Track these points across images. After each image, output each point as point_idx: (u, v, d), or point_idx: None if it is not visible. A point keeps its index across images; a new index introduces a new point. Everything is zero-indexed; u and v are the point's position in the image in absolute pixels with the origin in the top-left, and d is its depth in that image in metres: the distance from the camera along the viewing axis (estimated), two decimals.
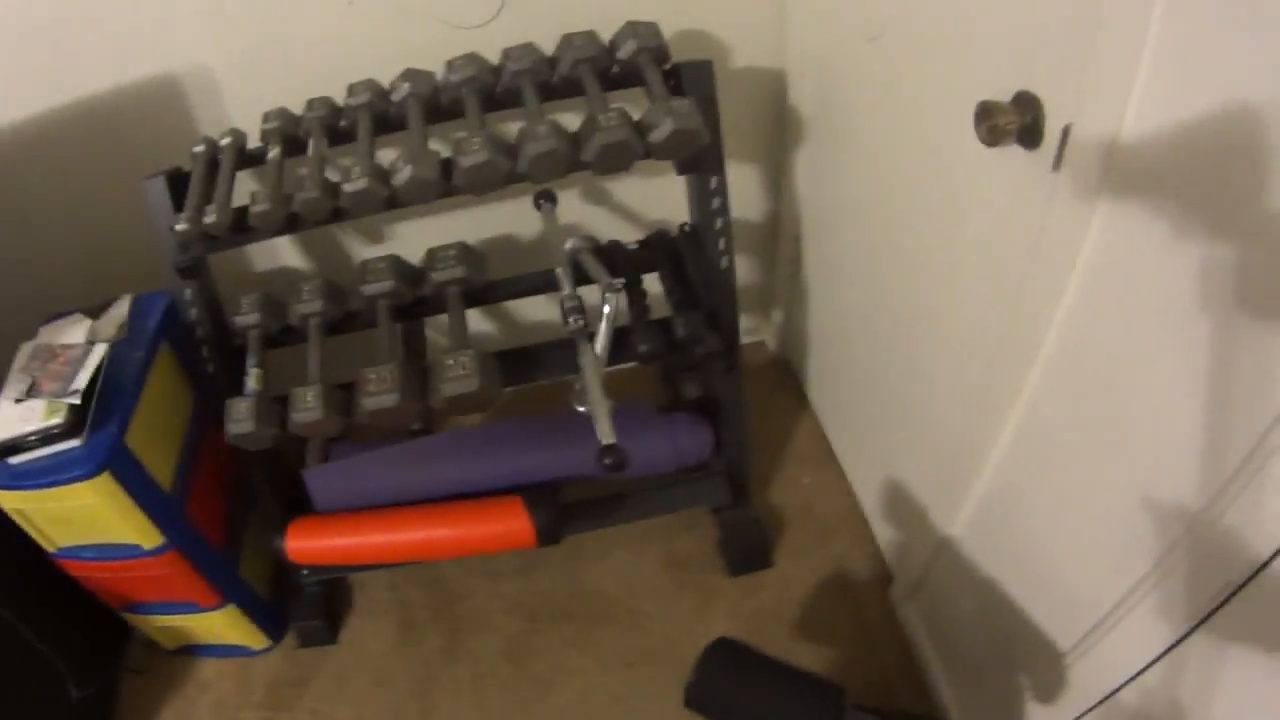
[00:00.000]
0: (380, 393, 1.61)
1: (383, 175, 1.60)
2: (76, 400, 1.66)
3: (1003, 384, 1.36)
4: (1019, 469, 1.43)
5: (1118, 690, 1.21)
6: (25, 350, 1.78)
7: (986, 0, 1.23)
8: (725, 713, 1.34)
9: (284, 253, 2.24)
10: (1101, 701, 1.26)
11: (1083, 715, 1.31)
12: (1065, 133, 1.06)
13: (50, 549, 1.82)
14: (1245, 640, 0.97)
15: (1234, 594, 0.96)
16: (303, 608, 2.20)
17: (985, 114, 1.14)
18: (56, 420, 1.62)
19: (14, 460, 1.64)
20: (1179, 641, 1.06)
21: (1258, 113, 0.81)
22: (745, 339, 2.39)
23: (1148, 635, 1.12)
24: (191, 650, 2.23)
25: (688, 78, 1.74)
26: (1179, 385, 0.99)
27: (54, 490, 1.64)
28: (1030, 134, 1.12)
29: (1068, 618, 1.33)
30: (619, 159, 1.57)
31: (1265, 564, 0.90)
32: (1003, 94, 1.16)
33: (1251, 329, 0.87)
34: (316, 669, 2.17)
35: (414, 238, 2.23)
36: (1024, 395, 1.33)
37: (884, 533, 2.15)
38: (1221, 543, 0.96)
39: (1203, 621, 1.01)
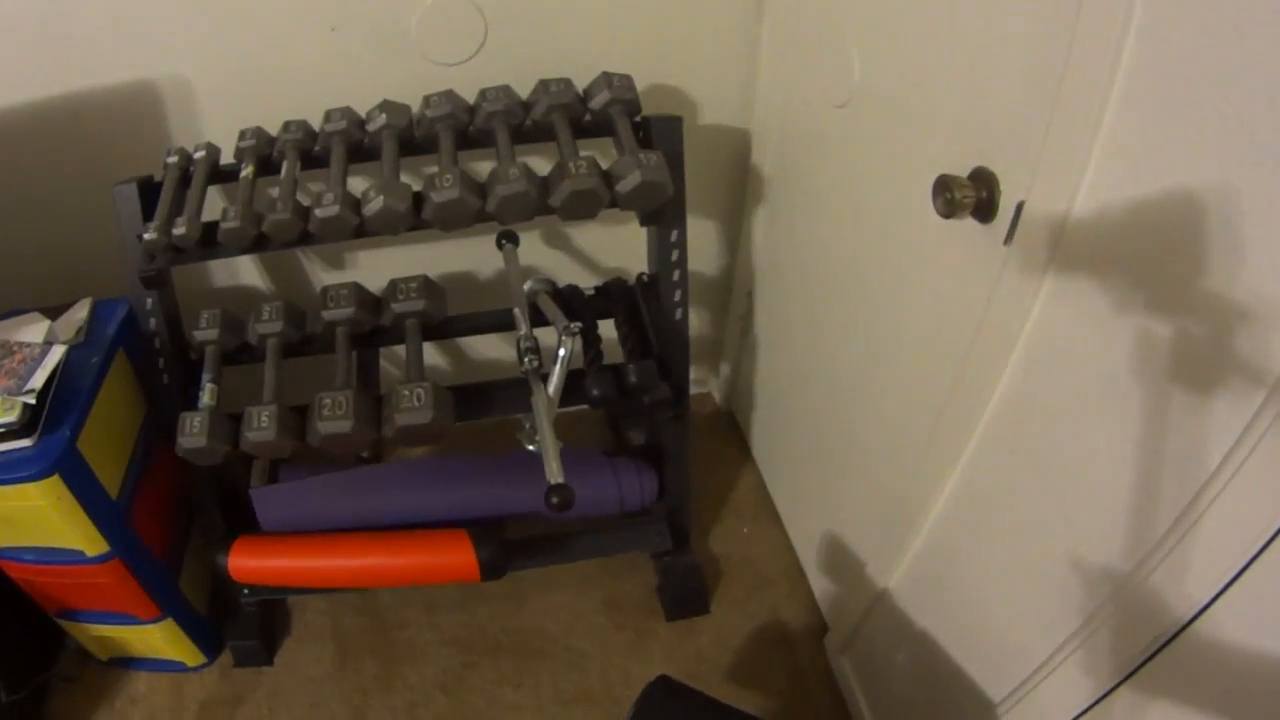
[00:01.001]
0: (335, 418, 1.62)
1: (354, 204, 1.62)
2: (31, 400, 1.64)
3: (943, 447, 1.41)
4: (956, 528, 1.47)
5: None
6: None
7: (950, 76, 1.28)
8: None
9: (245, 271, 2.24)
10: None
11: None
12: (1018, 209, 1.11)
13: None
14: (1167, 696, 1.02)
15: (1158, 651, 1.00)
16: (240, 627, 2.19)
17: (943, 187, 1.18)
18: (10, 418, 1.61)
19: None
20: (1104, 696, 1.10)
21: (1198, 199, 0.86)
22: (693, 390, 2.43)
23: (1076, 689, 1.16)
24: (125, 663, 2.21)
25: (657, 131, 1.77)
26: (1112, 453, 1.04)
27: (1, 489, 1.63)
28: (985, 209, 1.17)
29: (999, 671, 1.37)
30: (586, 207, 1.61)
31: (1188, 623, 0.95)
32: (961, 168, 1.21)
33: (1183, 402, 0.92)
34: (251, 689, 2.16)
35: (375, 266, 2.25)
36: (963, 458, 1.38)
37: (820, 585, 2.18)
38: (1148, 603, 1.01)
39: (1128, 677, 1.06)
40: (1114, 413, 1.04)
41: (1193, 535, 0.93)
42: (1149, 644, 1.01)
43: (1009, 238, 1.14)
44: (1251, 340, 0.83)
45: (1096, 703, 1.13)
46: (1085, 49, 0.97)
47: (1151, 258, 0.94)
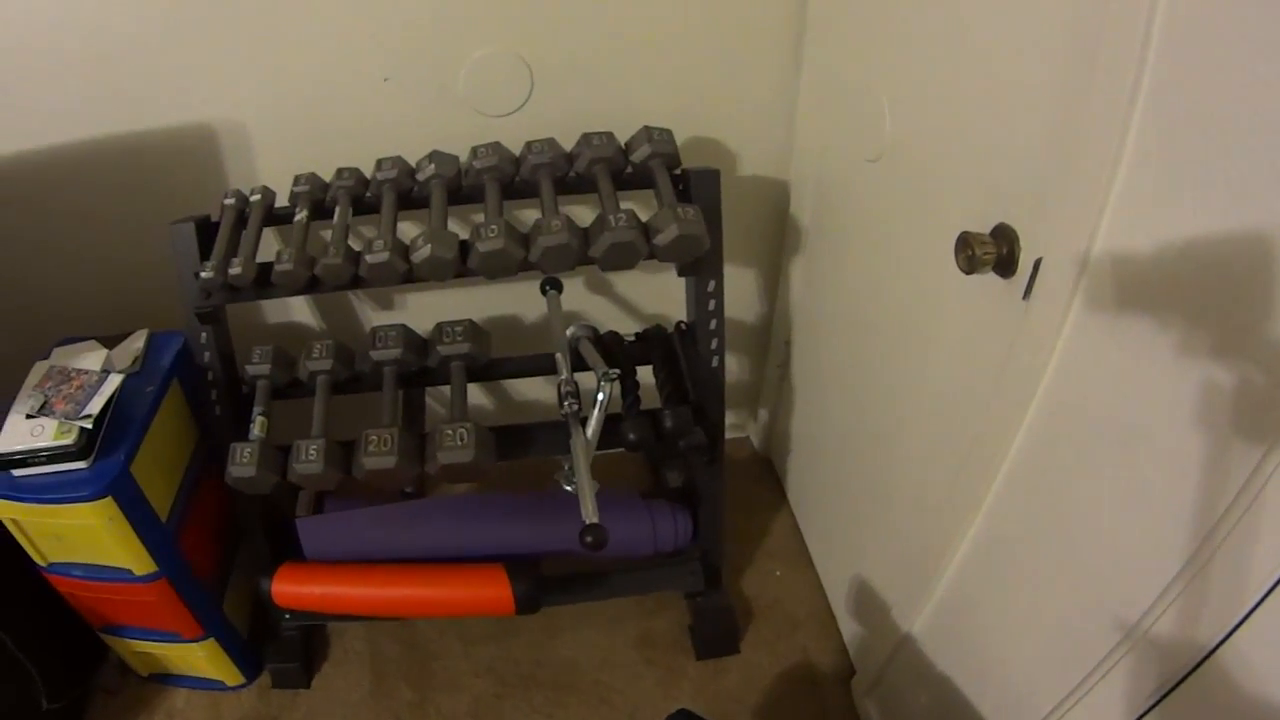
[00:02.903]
0: (380, 454, 1.68)
1: (403, 251, 1.69)
2: (89, 424, 1.70)
3: (965, 496, 1.44)
4: (976, 574, 1.51)
5: None
6: (39, 369, 1.83)
7: (974, 137, 1.33)
8: None
9: (296, 309, 2.30)
10: None
11: None
12: (1037, 265, 1.15)
13: (41, 563, 1.86)
14: None
15: (1167, 694, 1.04)
16: (280, 650, 2.23)
17: (965, 244, 1.23)
18: (67, 441, 1.66)
19: (18, 473, 1.69)
20: None
21: (1204, 259, 0.90)
22: (730, 434, 2.46)
23: None
24: (164, 679, 2.26)
25: (696, 184, 1.82)
26: (1126, 502, 1.08)
27: (56, 507, 1.69)
28: (1006, 264, 1.22)
29: (1015, 713, 1.40)
30: (625, 258, 1.67)
31: (1196, 667, 0.99)
32: (983, 225, 1.25)
33: (1194, 452, 0.95)
34: (288, 710, 2.20)
35: (423, 308, 2.31)
36: (984, 507, 1.41)
37: (849, 628, 2.21)
38: (1158, 647, 1.05)
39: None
40: (1127, 462, 1.07)
41: (1201, 579, 0.97)
42: (1159, 686, 1.05)
43: (1027, 292, 1.18)
44: (1266, 383, 0.87)
45: None
46: (1095, 117, 1.01)
47: (1162, 313, 0.98)
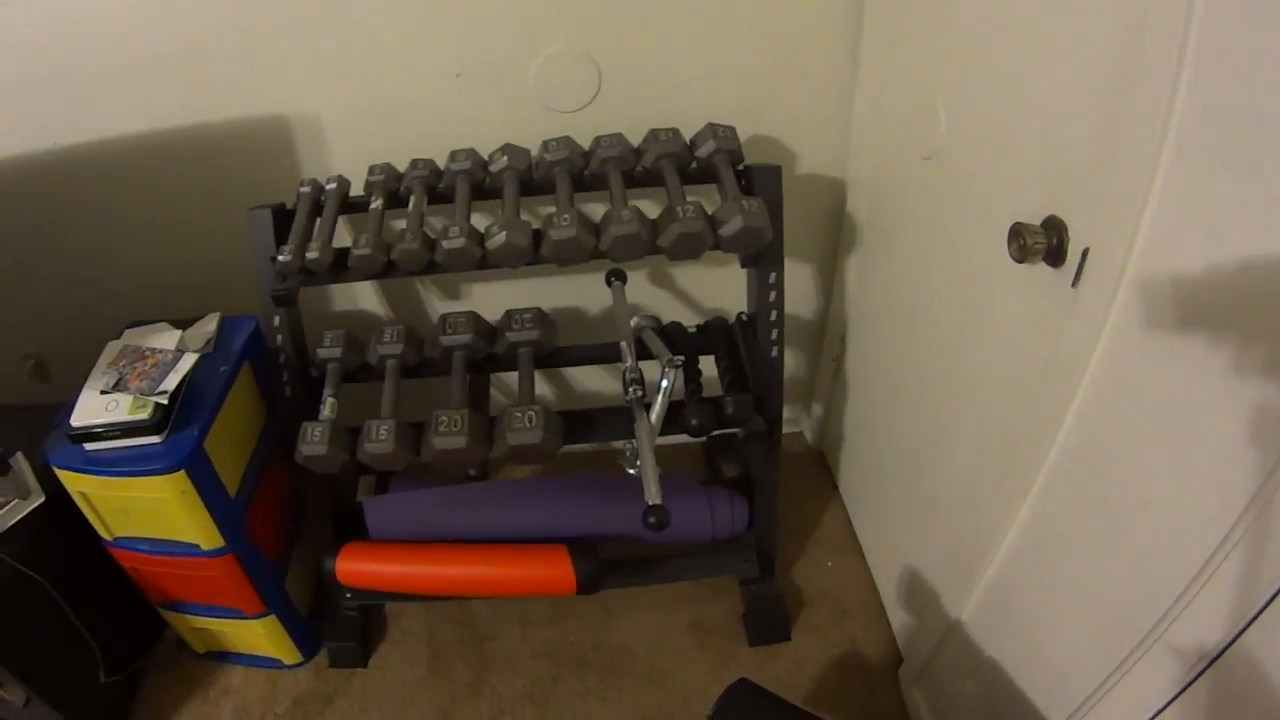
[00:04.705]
0: (450, 434, 1.73)
1: (478, 237, 1.74)
2: (164, 400, 1.75)
3: (1013, 484, 1.48)
4: (1022, 561, 1.54)
5: None
6: (113, 348, 1.89)
7: (1026, 132, 1.38)
8: None
9: (364, 297, 2.36)
10: None
11: None
12: (1085, 254, 1.20)
13: (107, 536, 1.91)
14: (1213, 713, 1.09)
15: (1205, 669, 1.08)
16: (338, 629, 2.28)
17: (1017, 234, 1.28)
18: (143, 415, 1.72)
19: (90, 446, 1.74)
20: (1157, 714, 1.17)
21: (1245, 247, 0.95)
22: (786, 429, 2.48)
23: (1131, 708, 1.23)
24: (221, 657, 2.31)
25: (758, 180, 1.88)
26: (1168, 482, 1.12)
27: (128, 480, 1.74)
28: (1056, 254, 1.26)
29: (1060, 694, 1.43)
30: (692, 248, 1.71)
31: (1231, 643, 1.03)
32: (1035, 217, 1.30)
33: (1235, 432, 0.99)
34: (344, 689, 2.25)
35: (488, 298, 2.37)
36: (1031, 494, 1.45)
37: (898, 617, 2.24)
38: (1195, 623, 1.09)
39: (1179, 695, 1.13)
40: (1168, 441, 1.11)
41: (1239, 553, 1.01)
42: (1198, 660, 1.08)
43: (1076, 280, 1.22)
44: None
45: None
46: (1138, 110, 1.06)
47: (1205, 295, 1.02)
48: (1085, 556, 1.34)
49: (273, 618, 2.14)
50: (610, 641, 2.33)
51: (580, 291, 2.39)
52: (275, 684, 2.27)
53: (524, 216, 1.80)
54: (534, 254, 1.75)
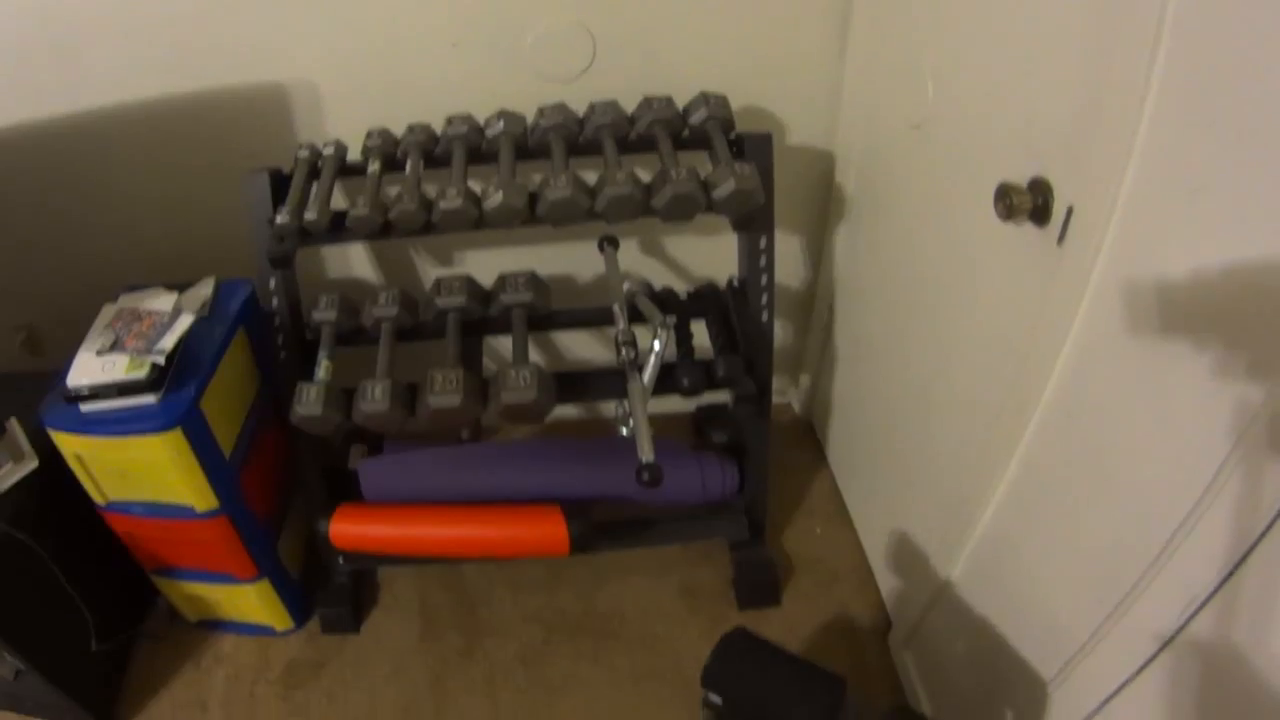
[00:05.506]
0: (445, 393, 1.74)
1: (475, 198, 1.76)
2: (161, 359, 1.76)
3: (1002, 440, 1.51)
4: (1012, 517, 1.57)
5: (1094, 714, 1.33)
6: (109, 310, 1.90)
7: (1012, 98, 1.42)
8: (738, 690, 1.46)
9: (358, 264, 2.38)
10: None
11: None
12: (1069, 213, 1.24)
13: (101, 501, 1.92)
14: (1199, 665, 1.12)
15: (1194, 615, 1.10)
16: (330, 595, 2.30)
17: (1003, 193, 1.32)
18: (139, 374, 1.73)
19: (85, 407, 1.75)
20: (1147, 663, 1.20)
21: (1224, 199, 0.98)
22: (774, 399, 2.50)
23: (1120, 658, 1.25)
24: (213, 625, 2.32)
25: (750, 146, 1.90)
26: (1153, 429, 1.15)
27: (124, 440, 1.75)
28: (1041, 213, 1.30)
29: (1050, 648, 1.45)
30: (684, 209, 1.74)
31: (1218, 588, 1.05)
32: (1020, 179, 1.34)
33: (1217, 376, 1.02)
34: (336, 654, 2.26)
35: (481, 265, 2.39)
36: (1019, 450, 1.48)
37: (887, 583, 2.26)
38: (1183, 570, 1.11)
39: (1168, 643, 1.15)
40: (1153, 389, 1.14)
41: (1216, 507, 1.03)
42: (1186, 606, 1.10)
43: (1061, 238, 1.26)
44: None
45: (1141, 669, 1.21)
46: (1120, 74, 1.10)
47: (1186, 246, 1.05)
48: (1073, 509, 1.37)
49: (265, 582, 2.15)
50: (601, 606, 2.35)
51: (573, 259, 2.40)
52: (267, 651, 2.28)
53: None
54: (530, 215, 1.76)
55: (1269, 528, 0.97)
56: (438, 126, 2.00)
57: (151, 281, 2.01)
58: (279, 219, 1.81)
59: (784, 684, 1.42)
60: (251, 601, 2.19)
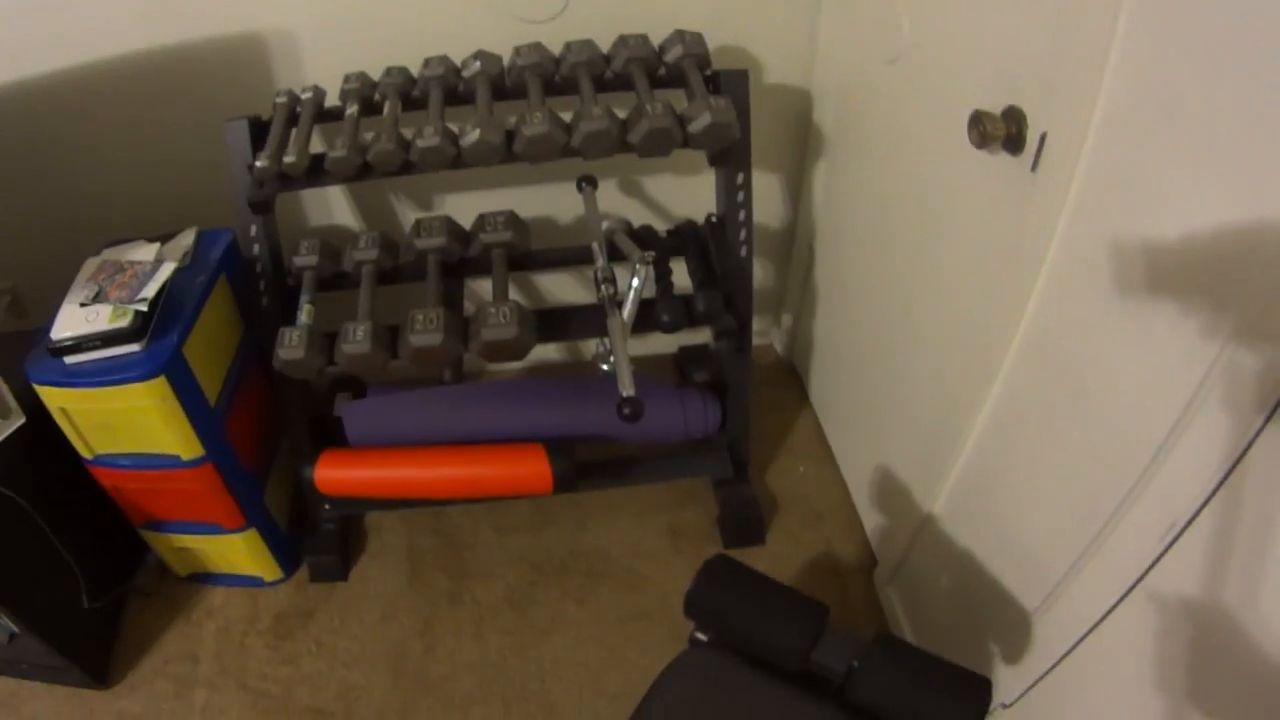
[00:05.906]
0: (426, 332, 1.73)
1: (452, 136, 1.75)
2: (144, 307, 1.76)
3: (981, 370, 1.52)
4: (992, 447, 1.58)
5: (1079, 643, 1.35)
6: (92, 263, 1.89)
7: (985, 29, 1.42)
8: (721, 618, 1.47)
9: (338, 211, 2.38)
10: (1065, 656, 1.39)
11: (1047, 673, 1.45)
12: (1042, 139, 1.25)
13: (88, 455, 1.92)
14: (1183, 588, 1.13)
15: (1174, 541, 1.11)
16: (318, 543, 2.31)
17: (976, 121, 1.34)
18: (123, 323, 1.73)
19: (70, 360, 1.75)
20: (1129, 590, 1.21)
21: (1195, 119, 0.99)
22: (756, 340, 2.51)
23: (1103, 586, 1.26)
24: (203, 578, 2.33)
25: (726, 83, 1.90)
26: (1130, 349, 1.16)
27: (109, 390, 1.75)
28: (1015, 142, 1.31)
29: (1034, 578, 1.47)
30: (661, 144, 1.74)
31: (1198, 511, 1.06)
32: (995, 108, 1.34)
33: (1193, 293, 1.03)
34: (325, 602, 2.29)
35: (461, 208, 2.37)
36: (1001, 375, 1.49)
37: (871, 520, 2.29)
38: (1159, 496, 1.12)
39: (1151, 567, 1.16)
40: (1129, 310, 1.15)
41: (1194, 427, 1.04)
42: (1167, 531, 1.11)
43: (1035, 165, 1.27)
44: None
45: (1125, 595, 1.22)
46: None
47: (1158, 167, 1.06)
48: (1054, 435, 1.38)
49: (253, 531, 2.16)
50: (587, 547, 2.37)
51: (551, 200, 2.40)
52: (256, 602, 2.30)
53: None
54: (507, 152, 1.76)
55: (1247, 449, 0.98)
56: (416, 67, 1.99)
57: (136, 235, 2.00)
58: (258, 163, 1.81)
59: (767, 610, 1.43)
60: (240, 552, 2.20)
